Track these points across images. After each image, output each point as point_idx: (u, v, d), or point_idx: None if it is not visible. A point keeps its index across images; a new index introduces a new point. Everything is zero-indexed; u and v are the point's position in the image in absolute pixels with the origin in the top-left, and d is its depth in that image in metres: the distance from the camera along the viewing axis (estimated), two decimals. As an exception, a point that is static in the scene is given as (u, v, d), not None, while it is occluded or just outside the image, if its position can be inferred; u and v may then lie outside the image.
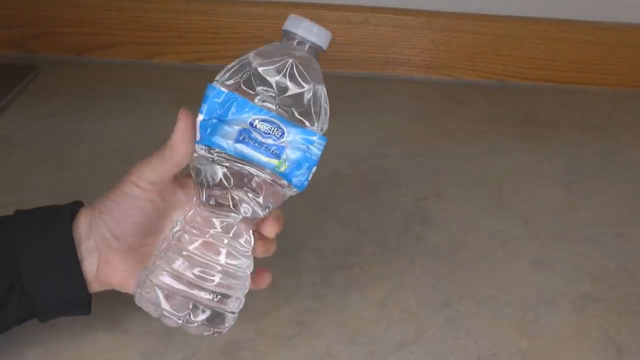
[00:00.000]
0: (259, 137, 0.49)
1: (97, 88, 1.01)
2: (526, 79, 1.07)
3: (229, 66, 0.52)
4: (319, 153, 0.51)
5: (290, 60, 0.50)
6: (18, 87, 0.98)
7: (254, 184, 0.51)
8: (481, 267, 0.69)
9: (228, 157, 0.50)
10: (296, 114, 0.50)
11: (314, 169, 0.51)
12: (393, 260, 0.70)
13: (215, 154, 0.50)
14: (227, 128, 0.50)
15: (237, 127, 0.49)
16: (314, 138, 0.50)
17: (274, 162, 0.50)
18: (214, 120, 0.50)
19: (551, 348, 0.60)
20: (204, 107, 0.50)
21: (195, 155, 0.51)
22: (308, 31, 0.52)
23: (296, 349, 0.58)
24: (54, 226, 0.52)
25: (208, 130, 0.50)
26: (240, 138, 0.49)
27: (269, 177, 0.50)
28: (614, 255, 0.72)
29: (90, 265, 0.53)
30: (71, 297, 0.53)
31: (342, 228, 0.74)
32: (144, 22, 1.06)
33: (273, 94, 0.50)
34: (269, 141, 0.50)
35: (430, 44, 1.06)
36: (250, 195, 0.51)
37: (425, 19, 1.04)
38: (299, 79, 0.50)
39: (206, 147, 0.50)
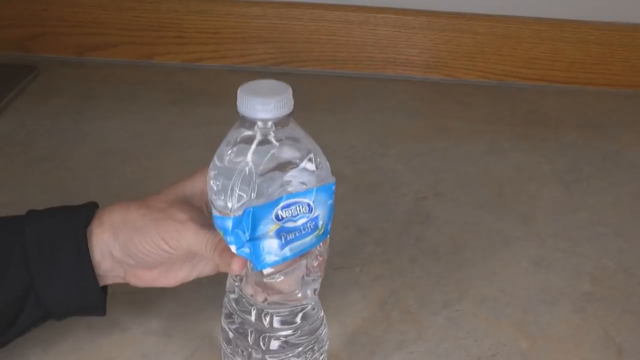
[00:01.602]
0: (294, 224, 0.48)
1: (97, 88, 1.01)
2: (526, 79, 1.07)
3: (216, 192, 0.48)
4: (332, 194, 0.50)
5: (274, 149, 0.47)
6: (18, 87, 0.98)
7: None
8: (481, 267, 0.69)
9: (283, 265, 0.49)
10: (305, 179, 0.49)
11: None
12: (393, 260, 0.70)
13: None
14: (264, 241, 0.48)
15: (271, 233, 0.48)
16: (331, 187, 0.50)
17: (316, 232, 0.50)
18: (249, 244, 0.47)
19: (551, 348, 0.60)
20: (231, 239, 0.48)
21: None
22: (265, 111, 0.46)
23: (296, 349, 0.58)
24: (68, 232, 0.52)
25: (253, 256, 0.48)
26: (283, 241, 0.48)
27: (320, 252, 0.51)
28: (614, 255, 0.72)
29: (102, 269, 0.53)
30: (85, 303, 0.53)
31: (342, 228, 0.74)
32: (144, 22, 1.06)
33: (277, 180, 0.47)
34: (303, 220, 0.48)
35: (430, 44, 1.06)
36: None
37: (425, 19, 1.04)
38: (292, 153, 0.48)
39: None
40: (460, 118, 0.98)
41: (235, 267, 0.49)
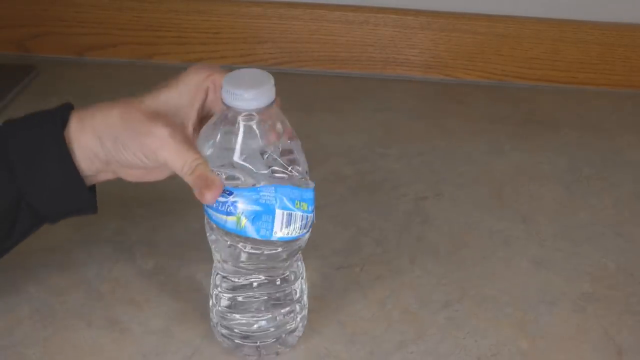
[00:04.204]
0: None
1: (97, 88, 1.01)
2: (526, 79, 1.07)
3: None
4: (274, 199, 0.50)
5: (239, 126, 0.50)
6: (18, 87, 0.97)
7: None
8: (481, 267, 0.69)
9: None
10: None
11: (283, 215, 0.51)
12: (393, 260, 0.70)
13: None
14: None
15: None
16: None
17: (232, 218, 0.50)
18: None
19: (551, 348, 0.60)
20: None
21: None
22: (247, 100, 0.49)
23: (296, 349, 0.58)
24: (48, 135, 0.52)
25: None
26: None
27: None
28: (614, 255, 0.72)
29: (90, 167, 0.53)
30: (75, 203, 0.54)
31: (342, 228, 0.74)
32: (144, 22, 1.06)
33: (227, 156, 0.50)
34: (222, 199, 0.50)
35: (430, 44, 1.06)
36: None
37: (425, 19, 1.04)
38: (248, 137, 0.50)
39: None
40: (460, 118, 0.97)
41: (209, 199, 0.50)
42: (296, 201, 0.51)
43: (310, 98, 0.98)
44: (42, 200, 0.52)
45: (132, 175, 0.55)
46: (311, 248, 0.70)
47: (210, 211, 0.51)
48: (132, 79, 1.03)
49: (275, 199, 0.50)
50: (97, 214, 0.67)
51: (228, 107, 0.49)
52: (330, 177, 0.81)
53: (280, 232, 0.51)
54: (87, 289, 0.64)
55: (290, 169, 0.50)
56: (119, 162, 0.53)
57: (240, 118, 0.49)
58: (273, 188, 0.50)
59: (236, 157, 0.50)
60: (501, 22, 1.04)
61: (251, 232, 0.51)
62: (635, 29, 1.04)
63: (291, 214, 0.51)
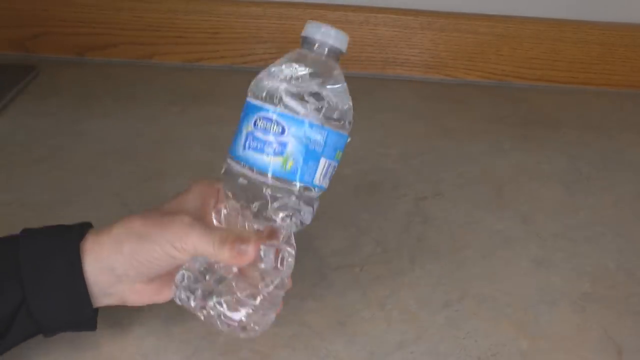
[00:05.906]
0: (261, 136, 0.49)
1: (97, 88, 1.01)
2: (526, 79, 1.07)
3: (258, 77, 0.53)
4: (323, 144, 0.51)
5: (298, 61, 0.51)
6: (18, 87, 0.98)
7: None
8: (481, 267, 0.69)
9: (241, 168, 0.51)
10: (301, 109, 0.50)
11: (325, 165, 0.51)
12: (393, 260, 0.70)
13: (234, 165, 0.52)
14: (239, 135, 0.51)
15: (245, 132, 0.50)
16: (314, 130, 0.50)
17: (278, 159, 0.50)
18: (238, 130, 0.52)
19: (551, 348, 0.60)
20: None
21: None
22: (326, 35, 0.51)
23: (296, 349, 0.58)
24: (61, 246, 0.52)
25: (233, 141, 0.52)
26: (247, 144, 0.50)
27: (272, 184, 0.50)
28: (614, 255, 0.72)
29: (99, 286, 0.53)
30: (76, 317, 0.53)
31: (342, 228, 0.74)
32: (144, 22, 1.06)
33: (278, 93, 0.50)
34: (270, 138, 0.50)
35: (430, 44, 1.06)
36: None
37: (425, 19, 1.04)
38: (308, 76, 0.50)
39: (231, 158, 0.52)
40: (460, 118, 0.98)
41: (252, 252, 0.50)
42: (337, 151, 0.52)
43: (310, 98, 0.99)
44: (44, 307, 0.52)
45: (141, 294, 0.55)
46: (310, 248, 0.70)
47: (252, 153, 0.50)
48: (132, 79, 1.03)
49: (323, 146, 0.50)
50: (96, 215, 0.67)
51: (305, 39, 0.51)
52: (330, 177, 0.81)
53: (318, 181, 0.52)
54: (87, 289, 0.63)
55: (323, 109, 0.50)
56: (138, 269, 0.52)
57: (313, 49, 0.51)
58: (326, 132, 0.50)
59: (285, 85, 0.50)
60: (501, 22, 1.04)
61: (296, 175, 0.50)
62: (635, 29, 1.04)
63: (330, 163, 0.52)
